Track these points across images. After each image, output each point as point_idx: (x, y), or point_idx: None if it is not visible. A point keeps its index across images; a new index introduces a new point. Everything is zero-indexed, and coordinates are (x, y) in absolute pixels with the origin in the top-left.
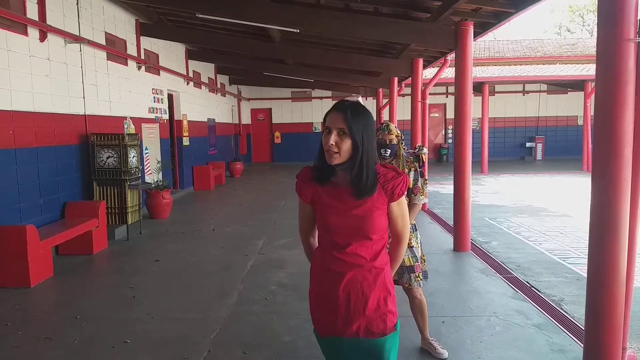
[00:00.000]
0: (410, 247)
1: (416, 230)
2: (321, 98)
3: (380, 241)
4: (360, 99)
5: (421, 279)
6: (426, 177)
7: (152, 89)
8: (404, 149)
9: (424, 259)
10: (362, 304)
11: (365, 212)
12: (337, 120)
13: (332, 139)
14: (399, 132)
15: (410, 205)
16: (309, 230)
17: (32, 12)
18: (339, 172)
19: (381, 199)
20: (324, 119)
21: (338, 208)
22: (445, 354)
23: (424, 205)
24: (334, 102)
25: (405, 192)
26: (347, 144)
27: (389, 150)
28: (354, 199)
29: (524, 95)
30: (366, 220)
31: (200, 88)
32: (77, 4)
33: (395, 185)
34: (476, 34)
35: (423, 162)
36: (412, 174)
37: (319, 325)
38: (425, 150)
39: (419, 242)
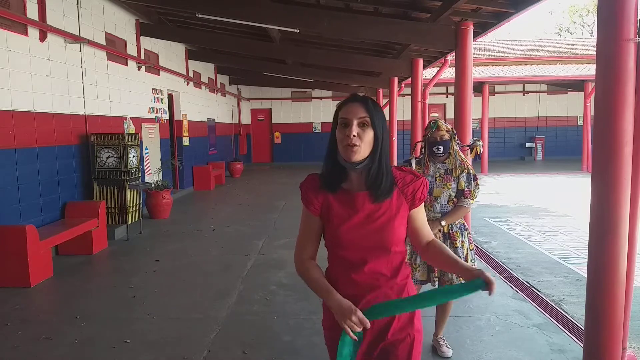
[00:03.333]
0: (455, 247)
1: (465, 230)
2: (321, 98)
3: (400, 254)
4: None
5: (460, 279)
6: (479, 181)
7: (152, 89)
8: (458, 143)
9: (469, 260)
10: (384, 327)
11: (386, 220)
12: (357, 110)
13: (354, 129)
14: (449, 127)
15: (458, 206)
16: (311, 248)
17: (32, 12)
18: (353, 174)
19: (402, 206)
20: (336, 112)
21: (353, 218)
22: (449, 353)
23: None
24: (334, 102)
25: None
26: (369, 136)
27: (442, 147)
28: (372, 205)
29: (524, 95)
30: (386, 230)
31: (200, 88)
32: (77, 4)
33: (416, 188)
34: (476, 34)
35: (477, 155)
36: (464, 175)
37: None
38: (481, 143)
39: (467, 242)
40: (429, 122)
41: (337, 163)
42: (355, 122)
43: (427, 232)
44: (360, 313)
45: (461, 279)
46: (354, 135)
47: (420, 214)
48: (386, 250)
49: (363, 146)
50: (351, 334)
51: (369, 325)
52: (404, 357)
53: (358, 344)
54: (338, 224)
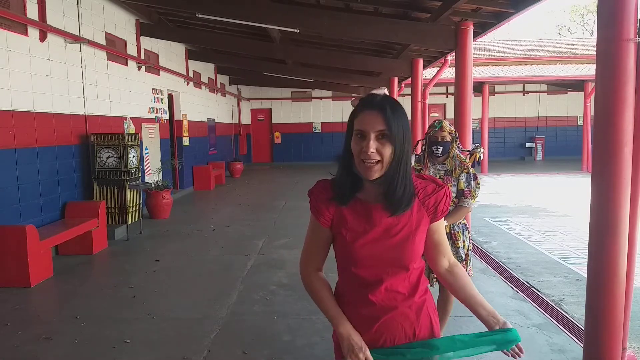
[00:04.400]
0: (456, 247)
1: (466, 230)
2: (321, 98)
3: (418, 270)
4: (385, 91)
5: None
6: (479, 181)
7: (152, 89)
8: (459, 147)
9: (468, 259)
10: (406, 342)
11: (405, 236)
12: (375, 122)
13: (372, 145)
14: (452, 129)
15: (459, 206)
16: (318, 259)
17: (32, 12)
18: (368, 185)
19: (423, 219)
20: (351, 119)
21: (369, 233)
22: None
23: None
24: (334, 102)
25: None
26: (389, 151)
27: (441, 148)
28: (390, 219)
29: (524, 95)
30: (405, 247)
31: (200, 88)
32: (77, 4)
33: (438, 199)
34: (476, 34)
35: (476, 161)
36: (464, 175)
37: None
38: (482, 149)
39: (468, 242)
40: (434, 121)
41: (352, 172)
42: (372, 136)
43: (447, 247)
44: (368, 353)
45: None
46: (372, 151)
47: (440, 226)
48: (404, 269)
49: (384, 162)
50: None
51: None
52: None
53: None
54: (352, 239)
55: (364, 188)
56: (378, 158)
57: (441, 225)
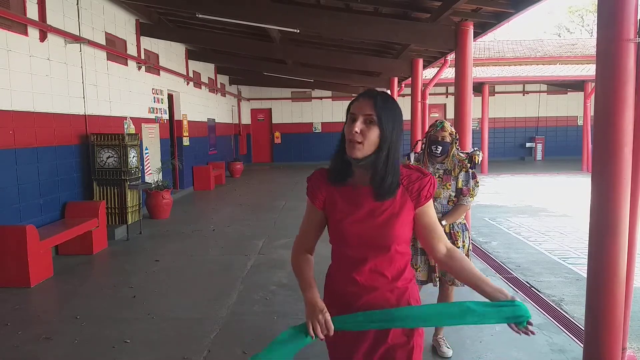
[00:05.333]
0: (456, 247)
1: (466, 230)
2: (321, 98)
3: (404, 257)
4: (386, 91)
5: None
6: (478, 180)
7: (152, 89)
8: (457, 148)
9: (468, 258)
10: (384, 330)
11: (387, 217)
12: (364, 106)
13: (358, 125)
14: (453, 130)
15: (458, 205)
16: (309, 240)
17: (32, 12)
18: (358, 170)
19: (406, 204)
20: (349, 107)
21: (355, 213)
22: (449, 353)
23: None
24: (334, 102)
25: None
26: (373, 134)
27: (440, 148)
28: (374, 202)
29: (523, 95)
30: (388, 227)
31: (200, 88)
32: (77, 4)
33: (422, 186)
34: (476, 34)
35: (475, 164)
36: (462, 174)
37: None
38: (480, 153)
39: (467, 242)
40: (436, 120)
41: (345, 157)
42: (360, 118)
43: (441, 233)
44: (328, 317)
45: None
46: (356, 132)
47: (429, 209)
48: (387, 249)
49: (366, 143)
50: (311, 331)
51: (331, 332)
52: None
53: (301, 345)
54: (340, 219)
55: (354, 173)
56: (360, 139)
57: (430, 209)
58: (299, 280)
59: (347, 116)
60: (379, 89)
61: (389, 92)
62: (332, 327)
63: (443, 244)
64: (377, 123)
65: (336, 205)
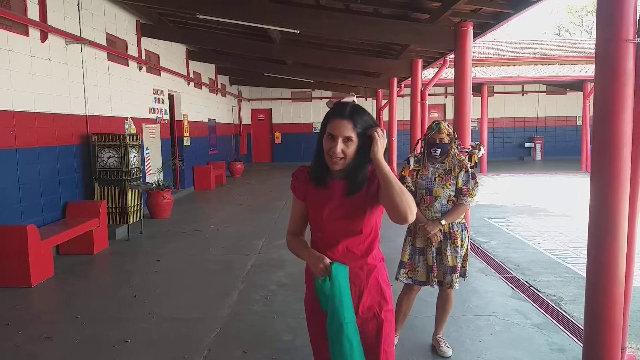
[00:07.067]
0: (455, 246)
1: (465, 230)
2: (321, 98)
3: (371, 236)
4: (354, 98)
5: (459, 278)
6: (477, 180)
7: (153, 89)
8: (457, 147)
9: (467, 258)
10: (355, 302)
11: (357, 207)
12: (343, 129)
13: (339, 147)
14: (451, 130)
15: (457, 205)
16: (298, 226)
17: (33, 12)
18: (335, 171)
19: (371, 193)
20: (324, 122)
21: (328, 204)
22: (449, 352)
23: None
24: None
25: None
26: (352, 149)
27: (439, 150)
28: (344, 197)
29: (523, 95)
30: (355, 216)
31: (201, 88)
32: (78, 4)
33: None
34: (475, 35)
35: (475, 162)
36: (462, 174)
37: (314, 333)
38: (482, 148)
39: (467, 242)
40: (432, 122)
41: (323, 161)
42: (340, 140)
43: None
44: (326, 260)
45: (458, 278)
46: (339, 152)
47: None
48: (357, 233)
49: (347, 158)
50: (319, 275)
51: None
52: (373, 336)
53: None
54: (317, 209)
55: (331, 172)
56: (342, 156)
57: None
58: (296, 251)
59: (322, 129)
60: (347, 99)
61: (355, 98)
62: (328, 262)
63: None
64: (356, 139)
65: (314, 197)
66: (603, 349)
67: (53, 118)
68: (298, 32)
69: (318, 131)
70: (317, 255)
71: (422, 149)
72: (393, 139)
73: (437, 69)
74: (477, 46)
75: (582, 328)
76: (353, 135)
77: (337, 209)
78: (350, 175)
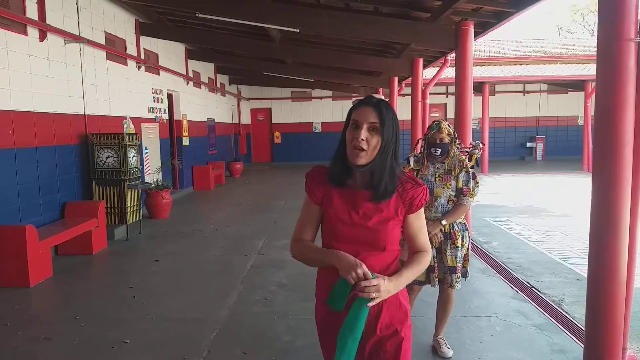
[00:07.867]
0: (456, 246)
1: (466, 230)
2: (321, 98)
3: (393, 253)
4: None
5: (459, 278)
6: (478, 180)
7: (152, 88)
8: (458, 147)
9: (467, 259)
10: (373, 320)
11: (381, 221)
12: (368, 115)
13: (363, 133)
14: (451, 130)
15: (458, 205)
16: (308, 232)
17: (31, 11)
18: (358, 173)
19: (399, 209)
20: (350, 112)
21: (350, 216)
22: (449, 353)
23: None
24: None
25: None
26: (375, 142)
27: (440, 150)
28: (370, 205)
29: (524, 95)
30: (380, 230)
31: (200, 88)
32: (76, 3)
33: (415, 196)
34: (476, 34)
35: (475, 161)
36: (462, 174)
37: (328, 351)
38: (481, 146)
39: (467, 242)
40: (432, 122)
41: (345, 160)
42: (365, 126)
43: (420, 242)
44: (365, 267)
45: (459, 278)
46: (362, 140)
47: (416, 220)
48: (379, 249)
49: (369, 151)
50: (351, 280)
51: (370, 278)
52: (392, 354)
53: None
54: (336, 218)
55: (353, 176)
56: (365, 147)
57: (416, 220)
58: (313, 255)
59: (347, 122)
60: (376, 96)
61: (383, 97)
62: (369, 273)
63: (417, 249)
64: (380, 131)
65: (332, 203)
66: (604, 349)
67: (51, 117)
68: (298, 31)
69: (318, 131)
70: (353, 261)
71: (423, 148)
72: None
73: (438, 68)
74: (478, 45)
75: (583, 329)
76: (378, 125)
77: (360, 223)
78: (375, 176)
